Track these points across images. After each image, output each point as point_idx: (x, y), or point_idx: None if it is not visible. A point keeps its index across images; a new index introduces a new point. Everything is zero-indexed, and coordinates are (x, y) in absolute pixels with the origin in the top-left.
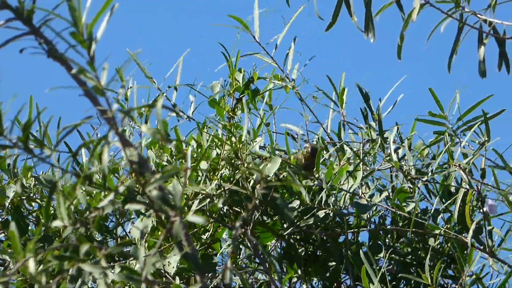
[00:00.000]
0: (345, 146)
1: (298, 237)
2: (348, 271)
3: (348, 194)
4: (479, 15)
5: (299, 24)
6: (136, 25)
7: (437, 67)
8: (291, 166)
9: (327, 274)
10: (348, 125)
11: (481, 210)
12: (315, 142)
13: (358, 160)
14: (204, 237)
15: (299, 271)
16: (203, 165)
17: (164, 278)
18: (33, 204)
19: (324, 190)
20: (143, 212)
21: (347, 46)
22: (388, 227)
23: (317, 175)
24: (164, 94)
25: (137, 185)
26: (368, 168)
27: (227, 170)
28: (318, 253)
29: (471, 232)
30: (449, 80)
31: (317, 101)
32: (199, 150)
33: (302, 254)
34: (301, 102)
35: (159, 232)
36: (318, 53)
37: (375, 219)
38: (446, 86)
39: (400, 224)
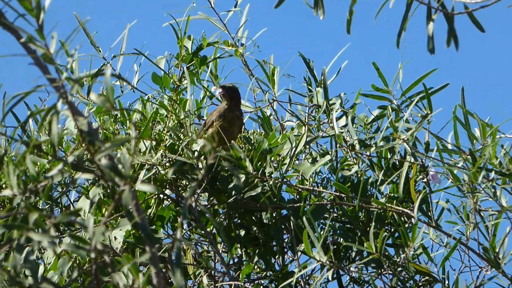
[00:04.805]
0: (289, 115)
1: (238, 220)
2: (292, 242)
3: (291, 158)
4: None
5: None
6: None
7: (390, 42)
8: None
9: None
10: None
11: (424, 180)
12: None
13: (303, 127)
14: (147, 213)
15: (241, 252)
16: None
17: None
18: None
19: (268, 160)
20: (91, 181)
21: (307, 22)
22: (331, 193)
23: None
24: (109, 64)
25: (87, 155)
26: (312, 135)
27: (172, 140)
28: (258, 235)
29: (416, 207)
30: (404, 54)
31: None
32: (143, 120)
33: (242, 236)
34: (246, 71)
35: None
36: (280, 30)
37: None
38: (397, 60)
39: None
